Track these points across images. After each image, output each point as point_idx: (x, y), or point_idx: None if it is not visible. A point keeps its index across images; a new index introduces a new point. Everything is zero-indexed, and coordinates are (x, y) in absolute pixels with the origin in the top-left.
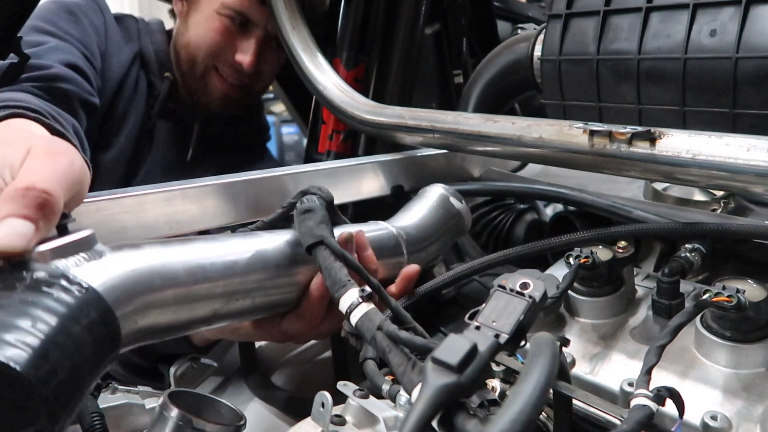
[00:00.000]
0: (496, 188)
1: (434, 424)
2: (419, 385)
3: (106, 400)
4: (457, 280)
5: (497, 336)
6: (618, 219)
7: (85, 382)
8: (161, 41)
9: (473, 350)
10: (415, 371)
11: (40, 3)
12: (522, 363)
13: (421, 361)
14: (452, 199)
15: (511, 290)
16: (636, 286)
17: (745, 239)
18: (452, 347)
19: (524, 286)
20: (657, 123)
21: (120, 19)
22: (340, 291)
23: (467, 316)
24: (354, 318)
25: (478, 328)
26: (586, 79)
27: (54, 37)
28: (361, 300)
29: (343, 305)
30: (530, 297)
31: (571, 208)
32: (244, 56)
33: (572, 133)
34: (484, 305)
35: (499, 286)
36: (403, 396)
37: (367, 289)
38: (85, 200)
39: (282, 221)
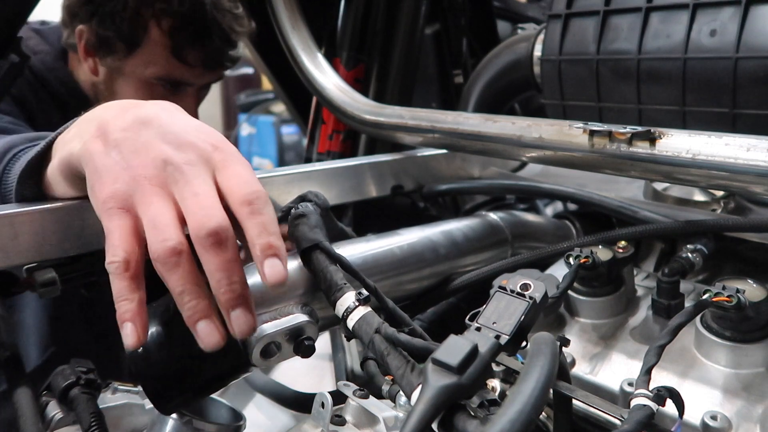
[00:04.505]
0: (501, 186)
1: (434, 425)
2: (419, 387)
3: (106, 400)
4: (465, 287)
5: (498, 337)
6: (623, 219)
7: None
8: (61, 69)
9: (474, 351)
10: (414, 374)
11: None
12: (522, 363)
13: (420, 363)
14: None
15: (512, 291)
16: (636, 286)
17: (745, 239)
18: (453, 348)
19: (525, 287)
20: (657, 123)
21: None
22: (336, 294)
23: (468, 317)
24: (351, 321)
25: (478, 329)
26: (586, 79)
27: None
28: (357, 303)
29: (340, 309)
30: (531, 298)
31: (571, 207)
32: None
33: (572, 133)
34: (484, 306)
35: (500, 287)
36: (402, 396)
37: (364, 292)
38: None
39: (281, 224)
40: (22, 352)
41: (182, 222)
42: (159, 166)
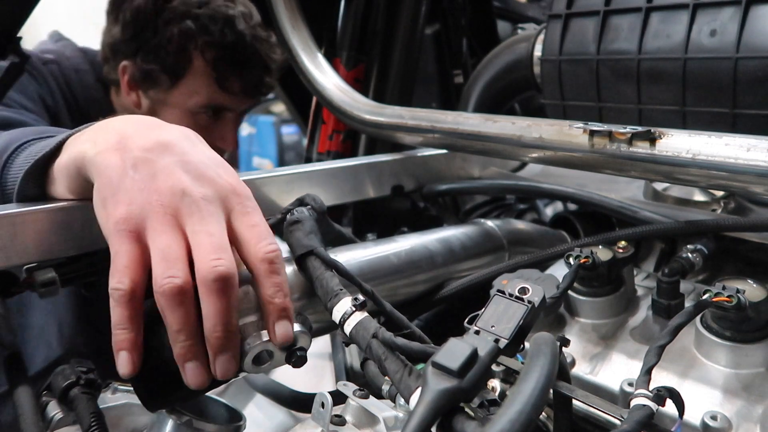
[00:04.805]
0: (501, 186)
1: (433, 428)
2: (417, 391)
3: (106, 400)
4: (466, 290)
5: (497, 341)
6: (623, 219)
7: None
8: (97, 90)
9: (474, 355)
10: (411, 377)
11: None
12: (522, 363)
13: (417, 365)
14: None
15: (510, 295)
16: (636, 286)
17: (745, 239)
18: (452, 352)
19: (523, 291)
20: (657, 123)
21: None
22: (333, 300)
23: (466, 320)
24: (348, 327)
25: (477, 332)
26: (586, 79)
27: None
28: (354, 309)
29: (336, 315)
30: (529, 302)
31: (571, 207)
32: (225, 141)
33: (572, 133)
34: (483, 309)
35: (499, 290)
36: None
37: (360, 297)
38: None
39: (281, 225)
40: (29, 353)
41: (189, 256)
42: (176, 195)
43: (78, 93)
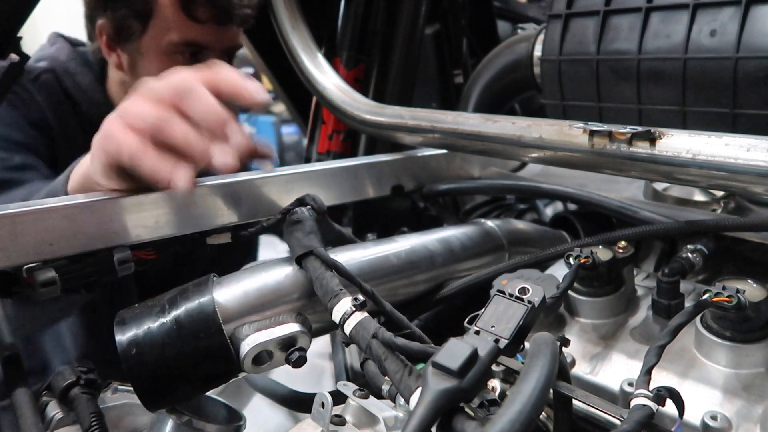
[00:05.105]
0: (501, 186)
1: (433, 428)
2: (417, 391)
3: (106, 400)
4: (466, 290)
5: (497, 341)
6: (623, 219)
7: None
8: (95, 91)
9: (474, 355)
10: (411, 377)
11: None
12: (522, 363)
13: (417, 365)
14: None
15: (510, 295)
16: (636, 286)
17: (745, 239)
18: (452, 352)
19: (523, 291)
20: (657, 123)
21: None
22: (333, 301)
23: (466, 320)
24: (348, 327)
25: (477, 332)
26: (586, 79)
27: None
28: (354, 309)
29: (336, 315)
30: (529, 302)
31: (571, 207)
32: None
33: (572, 133)
34: (483, 309)
35: (499, 290)
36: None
37: (360, 297)
38: (84, 200)
39: (281, 225)
40: (48, 359)
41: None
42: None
43: (77, 97)
